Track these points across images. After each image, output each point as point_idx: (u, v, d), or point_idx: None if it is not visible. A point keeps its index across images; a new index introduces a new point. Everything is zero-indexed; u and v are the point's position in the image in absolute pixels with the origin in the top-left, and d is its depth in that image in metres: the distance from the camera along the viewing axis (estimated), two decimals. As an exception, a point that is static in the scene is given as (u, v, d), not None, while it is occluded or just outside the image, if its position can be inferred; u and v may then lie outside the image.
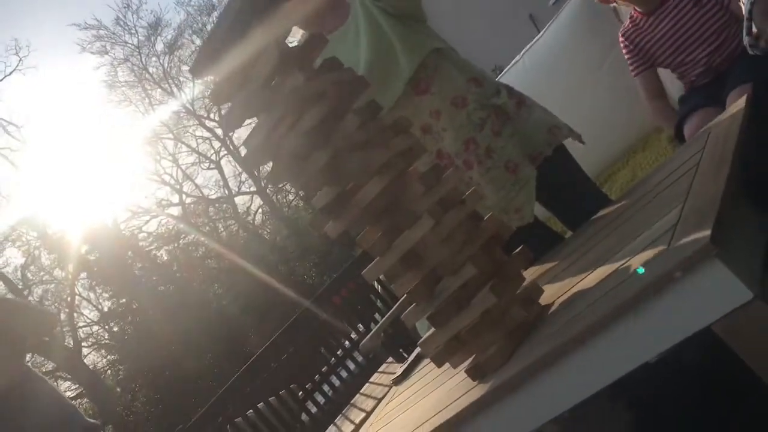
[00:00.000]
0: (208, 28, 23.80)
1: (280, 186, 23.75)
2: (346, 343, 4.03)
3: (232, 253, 21.65)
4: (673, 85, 2.24)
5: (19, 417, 1.66)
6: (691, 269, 0.72)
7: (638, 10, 2.15)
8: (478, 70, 1.88)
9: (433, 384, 1.27)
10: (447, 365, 1.10)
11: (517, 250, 1.07)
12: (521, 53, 3.43)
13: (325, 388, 3.87)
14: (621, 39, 2.23)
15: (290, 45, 1.04)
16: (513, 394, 0.88)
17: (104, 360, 22.29)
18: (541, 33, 3.28)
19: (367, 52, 1.78)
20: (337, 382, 3.85)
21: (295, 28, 1.87)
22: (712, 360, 0.86)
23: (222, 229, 25.61)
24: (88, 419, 1.87)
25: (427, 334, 1.03)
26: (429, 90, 1.80)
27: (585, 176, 1.96)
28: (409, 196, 1.02)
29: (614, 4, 2.21)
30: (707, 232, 0.71)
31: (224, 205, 25.59)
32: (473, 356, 1.01)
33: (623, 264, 0.88)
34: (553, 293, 1.07)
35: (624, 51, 2.22)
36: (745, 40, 1.12)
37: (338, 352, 4.02)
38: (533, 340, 0.95)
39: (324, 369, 4.12)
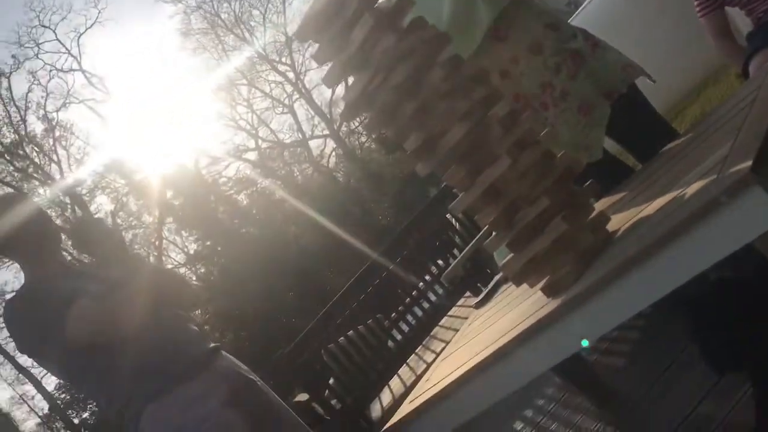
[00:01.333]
0: (277, -29, 23.85)
1: (352, 129, 23.99)
2: (427, 277, 4.25)
3: (307, 195, 22.20)
4: (743, 21, 2.25)
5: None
6: (734, 194, 0.84)
7: None
8: (555, 16, 1.98)
9: (511, 305, 1.43)
10: (524, 287, 1.26)
11: (587, 183, 1.20)
12: (581, 7, 3.42)
13: (409, 318, 4.13)
14: None
15: (381, 7, 1.18)
16: (581, 307, 1.03)
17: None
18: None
19: (451, 4, 1.89)
20: (419, 313, 4.10)
21: None
22: (756, 272, 0.98)
23: (297, 173, 26.23)
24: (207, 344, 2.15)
25: (507, 258, 1.19)
26: (507, 37, 1.92)
27: (655, 112, 2.05)
28: (490, 139, 1.16)
29: None
30: (749, 163, 0.83)
31: (298, 149, 26.13)
32: (547, 277, 1.16)
33: (680, 192, 1.00)
34: (619, 221, 1.20)
35: None
36: None
37: (420, 285, 4.25)
38: (600, 262, 1.09)
39: (407, 301, 4.37)
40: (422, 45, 1.16)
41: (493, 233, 1.19)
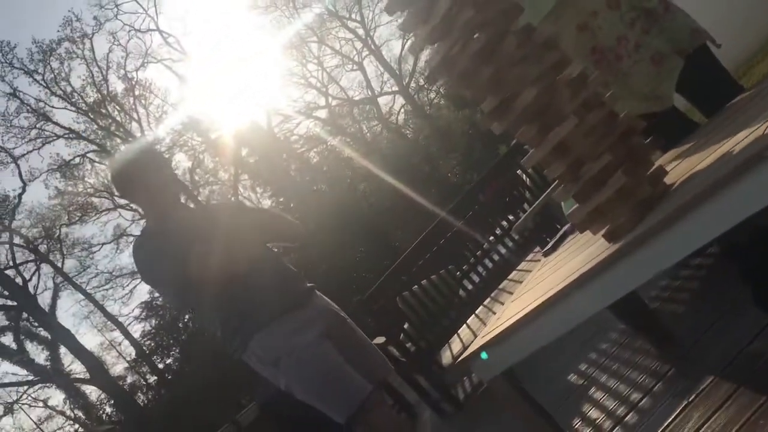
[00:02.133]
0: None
1: (421, 85, 23.88)
2: (498, 231, 4.39)
3: (376, 152, 22.40)
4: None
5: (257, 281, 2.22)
6: (775, 150, 0.96)
7: None
8: None
9: (576, 252, 1.57)
10: (588, 235, 1.40)
11: (648, 139, 1.32)
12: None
13: (480, 269, 4.30)
14: None
15: (462, -17, 1.31)
16: (636, 252, 1.17)
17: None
18: None
19: None
20: (490, 265, 4.25)
21: None
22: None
23: (366, 130, 26.43)
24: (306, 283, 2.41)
25: (573, 207, 1.33)
26: None
27: (724, 70, 2.13)
28: (558, 100, 1.30)
29: None
30: (788, 123, 0.95)
31: (368, 106, 26.26)
32: (608, 224, 1.30)
33: (730, 148, 1.12)
34: (676, 174, 1.32)
35: None
36: None
37: (490, 239, 4.39)
38: (657, 211, 1.22)
39: (478, 253, 4.53)
40: (498, 16, 1.30)
41: (561, 185, 1.33)
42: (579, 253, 1.52)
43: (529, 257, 3.92)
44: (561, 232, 1.98)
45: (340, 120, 25.94)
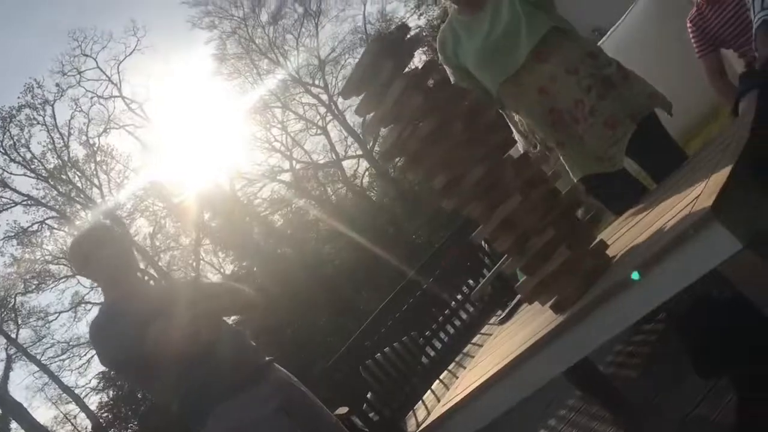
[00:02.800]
0: (309, -4, 24.37)
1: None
2: (459, 296, 4.45)
3: (341, 215, 22.52)
4: (738, 62, 2.43)
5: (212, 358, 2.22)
6: (699, 228, 1.04)
7: None
8: (596, 47, 2.30)
9: (527, 321, 1.63)
10: (539, 305, 1.46)
11: (588, 215, 1.40)
12: (621, 18, 3.61)
13: (442, 335, 4.32)
14: (688, 24, 2.45)
15: (412, 71, 1.40)
16: (584, 320, 1.23)
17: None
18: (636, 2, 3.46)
19: (502, 27, 2.23)
20: (452, 331, 4.29)
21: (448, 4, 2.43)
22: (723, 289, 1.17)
23: (331, 193, 26.60)
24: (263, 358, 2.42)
25: (521, 280, 1.39)
26: (548, 60, 2.23)
27: (669, 136, 2.30)
28: (504, 178, 1.37)
29: None
30: (710, 203, 1.03)
31: (332, 169, 26.52)
32: (555, 296, 1.36)
33: (663, 224, 1.20)
34: (618, 247, 1.40)
35: (690, 35, 2.45)
36: (756, 51, 1.37)
37: (452, 304, 4.44)
38: (600, 284, 1.29)
39: (440, 319, 4.56)
40: (445, 102, 1.38)
41: (509, 259, 1.40)
42: (531, 322, 1.58)
43: (491, 320, 3.98)
44: (515, 300, 2.04)
45: (305, 183, 26.10)
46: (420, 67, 1.40)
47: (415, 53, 1.43)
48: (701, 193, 1.15)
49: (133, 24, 26.42)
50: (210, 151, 26.08)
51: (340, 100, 25.46)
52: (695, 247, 1.05)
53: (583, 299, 1.28)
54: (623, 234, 1.52)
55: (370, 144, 23.98)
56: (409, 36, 1.40)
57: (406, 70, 1.40)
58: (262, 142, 25.58)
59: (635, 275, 1.09)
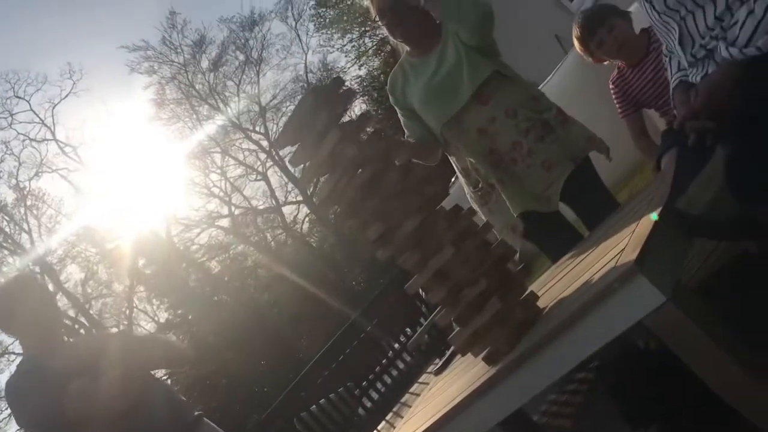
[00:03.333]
0: (251, 43, 24.52)
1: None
2: (396, 345, 4.42)
3: (281, 261, 22.27)
4: (660, 120, 2.57)
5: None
6: (624, 282, 1.06)
7: (625, 62, 2.51)
8: (537, 91, 2.41)
9: (461, 373, 1.63)
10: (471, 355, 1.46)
11: (519, 267, 1.43)
12: (551, 74, 3.75)
13: (379, 385, 4.27)
14: (611, 86, 2.59)
15: (346, 123, 1.41)
16: (515, 372, 1.23)
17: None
18: (568, 53, 3.60)
19: (446, 69, 2.33)
20: (389, 381, 4.24)
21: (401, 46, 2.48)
22: (649, 344, 1.20)
23: (271, 239, 26.33)
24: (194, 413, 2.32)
25: (454, 332, 1.39)
26: (488, 102, 2.31)
27: (602, 184, 2.38)
28: (437, 230, 1.39)
29: (606, 62, 2.56)
30: (634, 257, 1.06)
31: (272, 215, 26.31)
32: (488, 347, 1.36)
33: (590, 276, 1.23)
34: (548, 298, 1.42)
35: (613, 96, 2.58)
36: (674, 111, 1.45)
37: (389, 354, 4.40)
38: (531, 334, 1.30)
39: (377, 369, 4.51)
40: (379, 153, 1.39)
41: (442, 310, 1.40)
42: (466, 373, 1.58)
43: (429, 369, 3.96)
44: (450, 351, 2.04)
45: (244, 229, 25.77)
46: (355, 119, 1.42)
47: (350, 105, 1.44)
48: (626, 246, 1.18)
49: (69, 67, 25.98)
50: (146, 196, 25.57)
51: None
52: (620, 300, 1.08)
53: (514, 351, 1.29)
54: (553, 285, 1.55)
55: (310, 190, 24.00)
56: (343, 88, 1.42)
57: (341, 121, 1.41)
58: (201, 187, 25.27)
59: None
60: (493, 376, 1.25)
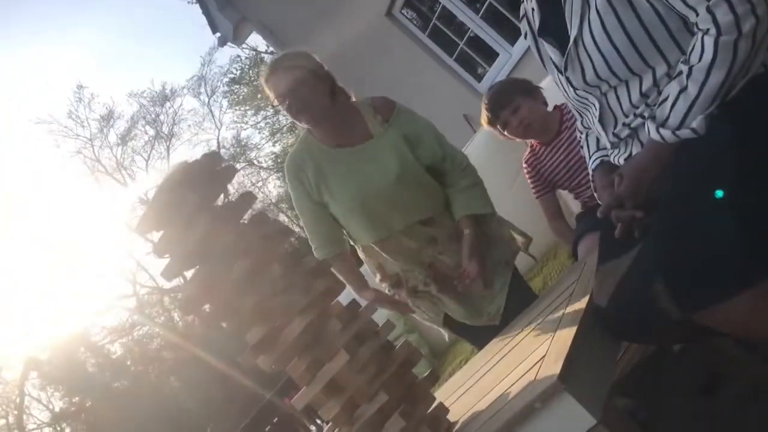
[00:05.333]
0: (161, 118, 24.10)
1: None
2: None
3: (188, 343, 21.22)
4: (575, 203, 2.49)
5: None
6: (547, 401, 0.88)
7: (537, 141, 2.43)
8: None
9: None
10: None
11: (426, 374, 1.22)
12: (463, 149, 3.67)
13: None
14: (524, 165, 2.49)
15: (224, 205, 1.20)
16: None
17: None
18: (476, 133, 3.54)
19: (389, 183, 2.09)
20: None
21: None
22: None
23: (178, 319, 25.16)
24: None
25: (349, 455, 1.16)
26: (433, 225, 2.15)
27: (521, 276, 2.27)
28: (329, 332, 1.17)
29: (519, 140, 2.47)
30: (557, 371, 0.88)
31: (179, 294, 25.21)
32: (390, 475, 1.14)
33: (506, 390, 1.04)
34: (458, 411, 1.22)
35: (526, 176, 2.48)
36: (596, 195, 1.32)
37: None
38: (439, 458, 1.09)
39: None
40: (262, 241, 1.18)
41: (336, 429, 1.17)
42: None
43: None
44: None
45: (149, 309, 24.54)
46: (232, 200, 1.21)
47: (228, 183, 1.24)
48: (546, 354, 1.00)
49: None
50: (42, 274, 24.09)
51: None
52: (543, 423, 0.89)
53: (420, 480, 1.07)
54: (465, 392, 1.35)
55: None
56: (221, 165, 1.21)
57: (216, 203, 1.20)
58: (104, 264, 24.05)
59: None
60: None
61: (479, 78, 6.04)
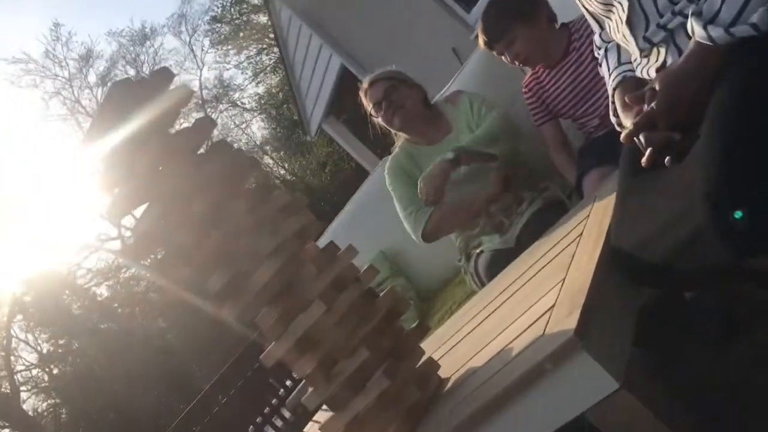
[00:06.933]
0: (142, 58, 23.44)
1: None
2: (281, 390, 3.95)
3: (174, 286, 21.14)
4: (575, 134, 2.30)
5: None
6: (560, 361, 0.73)
7: (540, 64, 2.20)
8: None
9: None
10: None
11: (414, 324, 1.08)
12: (447, 86, 3.47)
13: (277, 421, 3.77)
14: (524, 90, 2.27)
15: (176, 132, 1.03)
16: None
17: (45, 404, 21.39)
18: (463, 66, 3.33)
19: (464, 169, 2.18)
20: (280, 424, 3.77)
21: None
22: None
23: (164, 262, 24.94)
24: None
25: (327, 417, 1.02)
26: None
27: None
28: (302, 279, 1.02)
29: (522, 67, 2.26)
30: (573, 325, 0.73)
31: (161, 254, 24.92)
32: (373, 437, 1.00)
33: (507, 345, 0.89)
34: (449, 366, 1.08)
35: (527, 102, 2.26)
36: (612, 119, 1.14)
37: (273, 401, 3.93)
38: (429, 420, 0.95)
39: (266, 410, 4.04)
40: (223, 173, 1.01)
41: (311, 388, 1.03)
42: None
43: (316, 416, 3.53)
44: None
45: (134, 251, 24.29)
46: (188, 127, 1.03)
47: (183, 108, 1.05)
48: (556, 303, 0.85)
49: (-61, 78, 23.87)
50: (28, 217, 23.76)
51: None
52: (555, 386, 0.75)
53: (408, 445, 0.94)
54: (457, 343, 1.21)
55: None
56: (172, 85, 1.03)
57: (168, 129, 1.02)
58: (89, 208, 23.72)
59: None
60: (379, 485, 0.89)
61: (468, 8, 5.74)
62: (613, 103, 1.11)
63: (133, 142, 0.98)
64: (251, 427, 3.85)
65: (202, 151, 1.04)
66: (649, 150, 0.88)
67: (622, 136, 0.91)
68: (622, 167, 0.99)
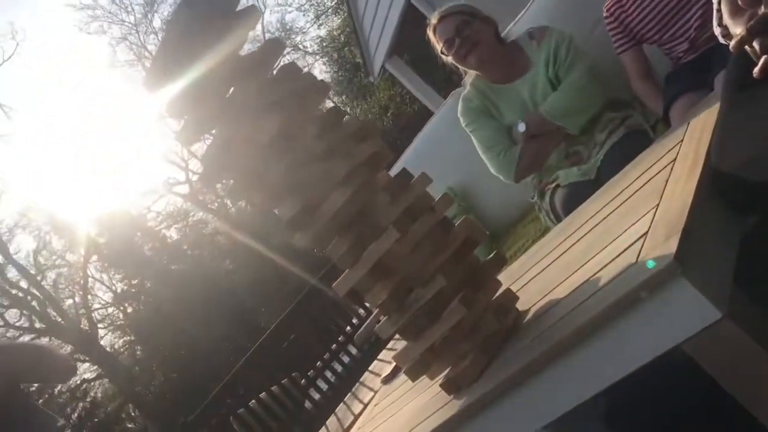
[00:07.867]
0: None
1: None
2: (348, 328, 4.00)
3: (241, 228, 21.67)
4: (661, 60, 2.15)
5: None
6: (657, 289, 0.68)
7: None
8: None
9: (415, 390, 1.24)
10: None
11: (492, 255, 1.03)
12: (521, 12, 3.31)
13: (328, 374, 3.83)
14: (605, 15, 2.13)
15: (244, 54, 0.99)
16: (484, 412, 0.85)
17: (121, 341, 22.51)
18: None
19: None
20: (339, 368, 3.82)
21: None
22: (685, 378, 0.82)
23: (230, 205, 25.60)
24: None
25: (401, 347, 1.00)
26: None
27: None
28: (375, 206, 0.98)
29: None
30: (672, 250, 0.67)
31: (231, 180, 25.42)
32: (448, 369, 0.98)
33: (594, 275, 0.84)
34: (528, 299, 1.03)
35: (608, 28, 2.12)
36: (717, 30, 1.03)
37: (339, 338, 3.98)
38: (508, 352, 0.92)
39: (326, 356, 4.08)
40: (294, 97, 0.98)
41: (385, 317, 1.00)
42: (418, 394, 1.19)
43: (382, 355, 3.54)
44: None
45: (203, 195, 24.95)
46: (257, 50, 1.00)
47: (253, 29, 1.02)
48: (650, 230, 0.79)
49: (12, 26, 24.63)
50: (98, 163, 24.60)
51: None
52: (650, 315, 0.69)
53: (486, 375, 0.91)
54: (533, 278, 1.16)
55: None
56: (238, 6, 0.99)
57: (238, 51, 0.99)
58: (157, 153, 24.34)
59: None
60: (456, 415, 0.87)
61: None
62: (719, 10, 1.01)
63: (201, 65, 0.95)
64: (319, 362, 3.92)
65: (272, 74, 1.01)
66: (764, 57, 0.79)
67: (732, 43, 0.82)
68: (728, 78, 0.90)
